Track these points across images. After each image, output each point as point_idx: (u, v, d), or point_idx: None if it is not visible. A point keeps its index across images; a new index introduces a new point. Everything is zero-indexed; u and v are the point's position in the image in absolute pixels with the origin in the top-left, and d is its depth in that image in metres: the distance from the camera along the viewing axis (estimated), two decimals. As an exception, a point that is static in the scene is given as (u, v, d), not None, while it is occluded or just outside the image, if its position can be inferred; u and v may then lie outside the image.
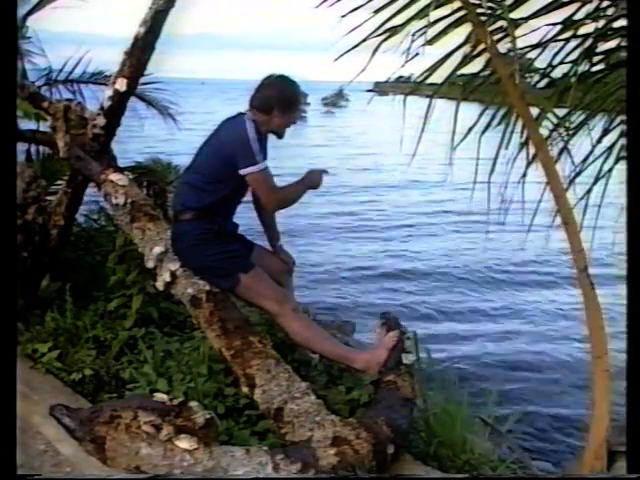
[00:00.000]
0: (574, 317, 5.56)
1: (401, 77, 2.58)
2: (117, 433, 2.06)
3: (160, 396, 2.17)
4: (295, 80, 2.80)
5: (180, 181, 3.12)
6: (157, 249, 2.91)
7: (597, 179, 2.60)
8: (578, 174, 2.60)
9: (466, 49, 2.31)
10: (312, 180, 2.86)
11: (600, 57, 2.39)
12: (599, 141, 2.60)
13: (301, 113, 2.80)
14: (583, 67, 2.36)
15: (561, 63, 2.41)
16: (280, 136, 2.82)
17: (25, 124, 3.78)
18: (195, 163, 2.85)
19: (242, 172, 2.62)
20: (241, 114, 2.75)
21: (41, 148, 4.28)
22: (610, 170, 2.56)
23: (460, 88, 2.46)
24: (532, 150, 2.43)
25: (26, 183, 3.29)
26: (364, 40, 2.14)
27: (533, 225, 2.53)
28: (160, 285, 2.89)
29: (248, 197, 2.89)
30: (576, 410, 4.28)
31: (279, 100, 2.71)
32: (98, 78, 5.02)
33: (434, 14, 2.09)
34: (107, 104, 3.26)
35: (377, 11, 2.15)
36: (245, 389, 2.54)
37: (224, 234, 2.80)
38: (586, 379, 2.35)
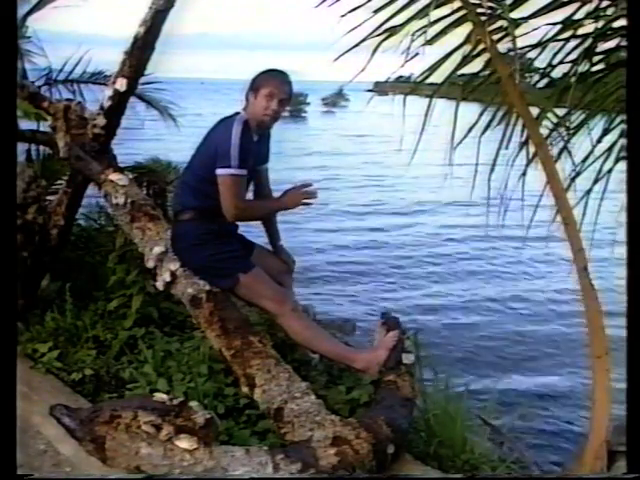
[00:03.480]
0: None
1: (401, 77, 2.57)
2: (117, 433, 2.06)
3: (160, 396, 2.17)
4: (277, 69, 2.76)
5: (179, 181, 3.11)
6: (157, 249, 2.91)
7: (597, 179, 2.60)
8: (578, 174, 2.60)
9: (466, 49, 2.31)
10: (291, 200, 2.78)
11: (600, 57, 2.39)
12: (599, 141, 2.60)
13: (283, 97, 2.69)
14: (583, 67, 2.35)
15: (561, 63, 2.40)
16: (267, 126, 2.78)
17: (25, 124, 3.78)
18: (191, 163, 2.86)
19: (216, 172, 2.63)
20: (237, 114, 2.74)
21: (41, 148, 4.27)
22: (610, 170, 2.56)
23: (460, 88, 2.46)
24: (532, 150, 2.42)
25: (26, 183, 3.29)
26: (364, 40, 2.14)
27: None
28: (160, 285, 2.89)
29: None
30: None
31: (250, 83, 2.71)
32: (98, 78, 5.02)
33: (434, 14, 2.09)
34: (107, 104, 3.26)
35: (377, 11, 2.15)
36: (245, 389, 2.54)
37: (224, 234, 2.80)
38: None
